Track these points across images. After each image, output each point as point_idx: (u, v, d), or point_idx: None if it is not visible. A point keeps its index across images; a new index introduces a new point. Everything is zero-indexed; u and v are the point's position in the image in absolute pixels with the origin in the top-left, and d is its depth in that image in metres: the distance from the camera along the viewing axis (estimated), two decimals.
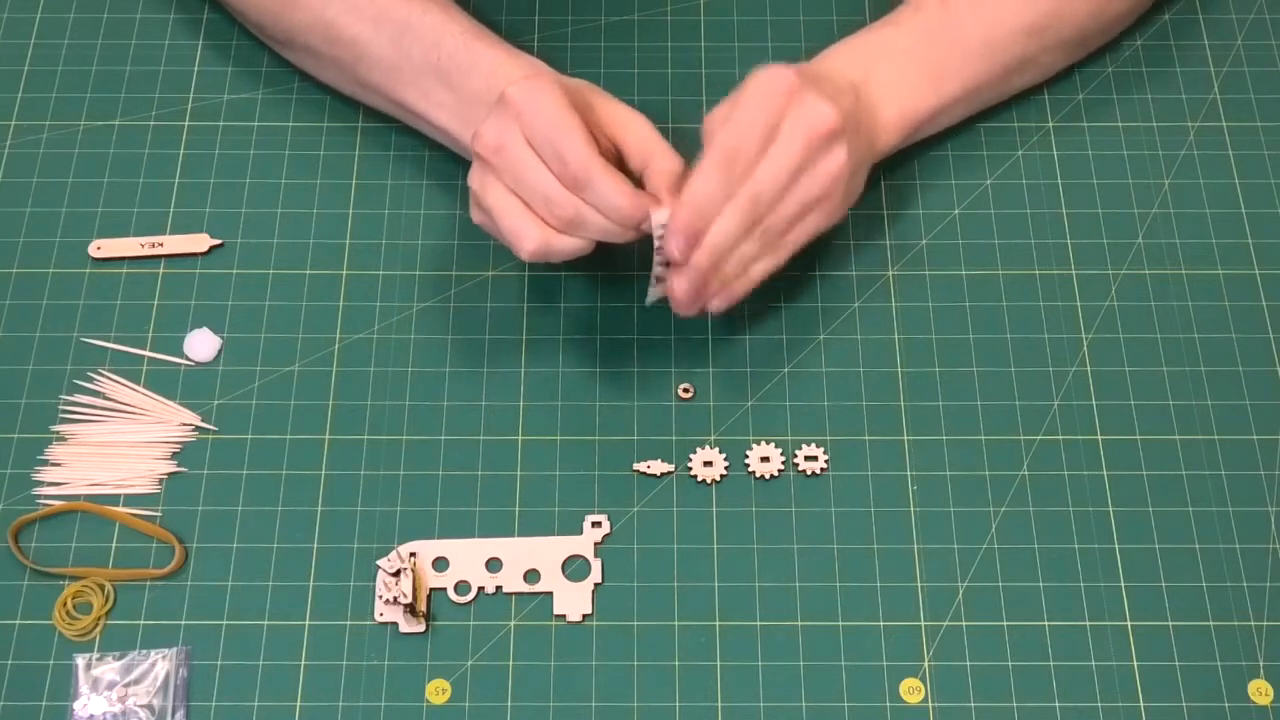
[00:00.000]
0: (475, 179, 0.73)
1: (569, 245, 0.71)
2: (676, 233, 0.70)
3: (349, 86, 0.85)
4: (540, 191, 0.70)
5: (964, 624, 0.73)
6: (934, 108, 0.82)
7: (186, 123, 0.88)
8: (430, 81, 0.79)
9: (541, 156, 0.70)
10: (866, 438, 0.78)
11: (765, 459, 0.77)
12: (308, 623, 0.73)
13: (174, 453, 0.77)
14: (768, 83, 0.72)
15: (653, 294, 0.76)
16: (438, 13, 0.80)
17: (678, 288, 0.72)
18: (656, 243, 0.72)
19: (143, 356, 0.80)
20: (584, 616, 0.73)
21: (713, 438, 0.78)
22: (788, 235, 0.74)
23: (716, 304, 0.74)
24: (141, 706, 0.70)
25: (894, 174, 0.85)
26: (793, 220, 0.73)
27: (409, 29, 0.79)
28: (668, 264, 0.72)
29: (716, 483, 0.77)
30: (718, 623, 0.73)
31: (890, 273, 0.83)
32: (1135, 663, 0.72)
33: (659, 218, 0.71)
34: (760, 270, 0.74)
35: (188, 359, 0.80)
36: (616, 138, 0.74)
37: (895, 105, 0.80)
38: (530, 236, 0.71)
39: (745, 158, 0.71)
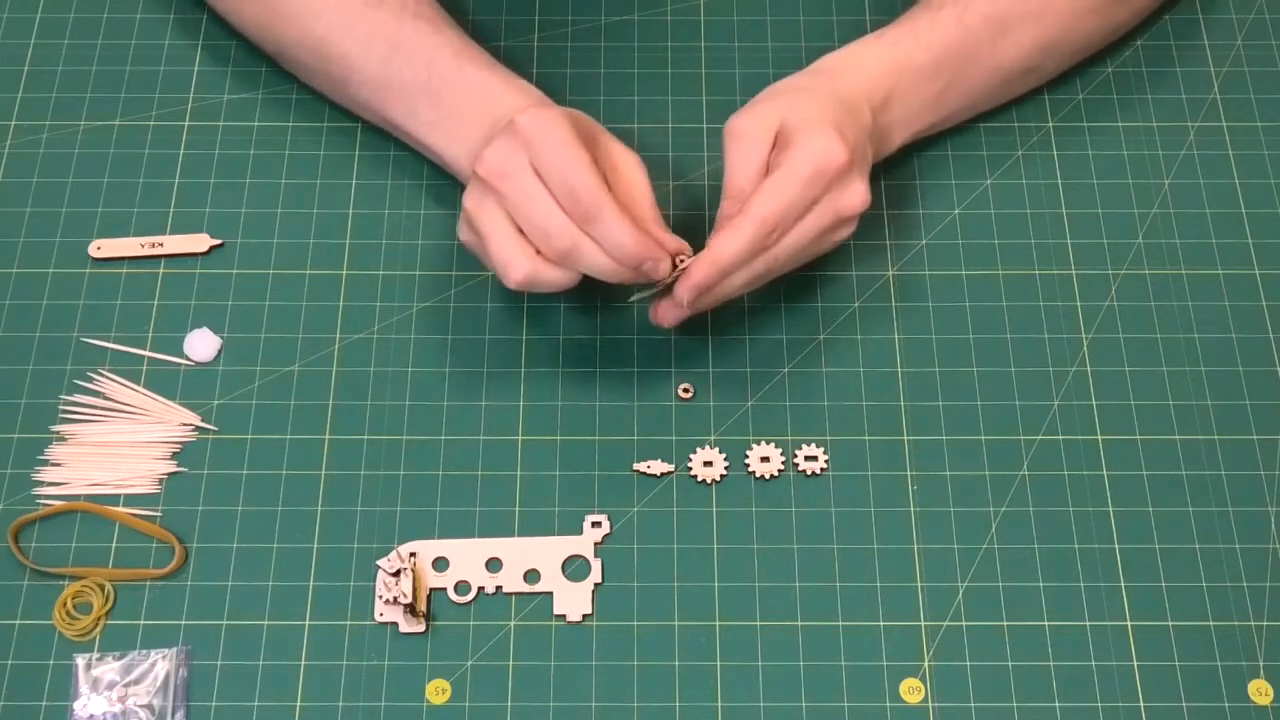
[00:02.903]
0: (472, 200, 0.73)
1: (557, 278, 0.72)
2: (693, 286, 0.71)
3: (340, 100, 0.85)
4: (540, 222, 0.70)
5: (964, 624, 0.73)
6: (936, 122, 0.83)
7: (186, 123, 0.88)
8: (419, 100, 0.79)
9: (549, 187, 0.70)
10: (866, 438, 0.78)
11: (765, 459, 0.77)
12: (308, 623, 0.73)
13: (174, 453, 0.77)
14: (824, 158, 0.72)
15: (639, 296, 0.76)
16: (429, 33, 0.80)
17: (667, 317, 0.75)
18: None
19: (143, 356, 0.80)
20: (584, 616, 0.73)
21: (713, 438, 0.78)
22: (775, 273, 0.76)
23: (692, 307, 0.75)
24: (141, 706, 0.70)
25: (894, 174, 0.85)
26: (788, 267, 0.75)
27: (400, 48, 0.79)
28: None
29: (716, 483, 0.77)
30: (718, 623, 0.73)
31: (890, 273, 0.83)
32: (1135, 663, 0.72)
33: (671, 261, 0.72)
34: (740, 291, 0.75)
35: (188, 359, 0.80)
36: (608, 174, 0.73)
37: (904, 125, 0.81)
38: (519, 266, 0.71)
39: (780, 230, 0.72)
